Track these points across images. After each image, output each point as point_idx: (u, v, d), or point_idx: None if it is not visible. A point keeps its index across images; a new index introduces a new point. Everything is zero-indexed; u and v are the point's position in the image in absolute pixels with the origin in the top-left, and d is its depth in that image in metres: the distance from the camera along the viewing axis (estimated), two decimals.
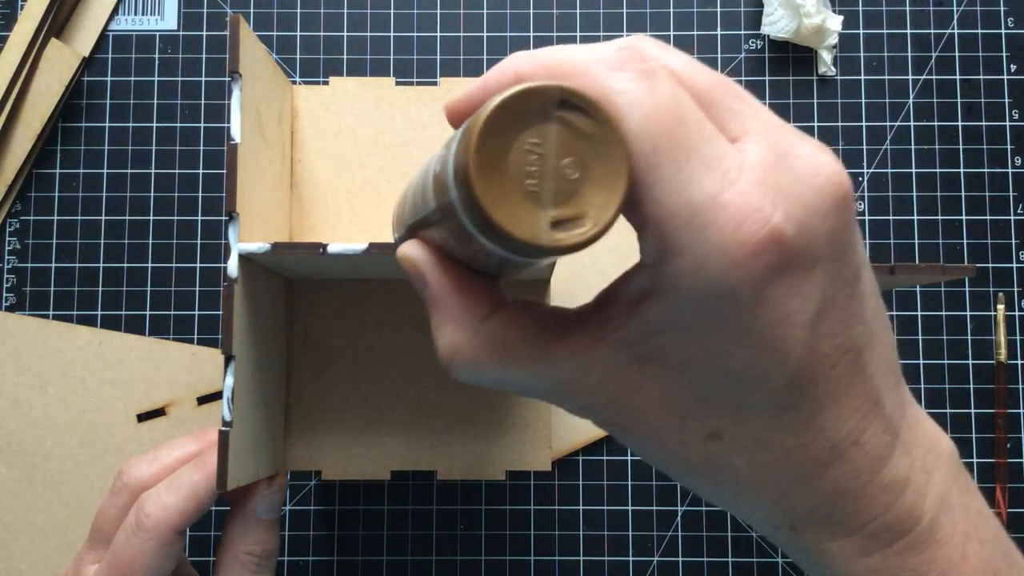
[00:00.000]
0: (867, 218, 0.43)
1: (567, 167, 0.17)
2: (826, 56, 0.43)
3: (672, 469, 0.21)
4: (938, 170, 0.43)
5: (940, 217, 0.43)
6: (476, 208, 0.16)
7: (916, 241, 0.43)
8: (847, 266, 0.19)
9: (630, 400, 0.20)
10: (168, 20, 0.44)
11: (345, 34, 0.44)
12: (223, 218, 0.43)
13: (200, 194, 0.43)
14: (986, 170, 0.43)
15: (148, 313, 0.43)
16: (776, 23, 0.43)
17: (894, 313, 0.43)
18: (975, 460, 0.42)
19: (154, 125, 0.44)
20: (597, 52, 0.19)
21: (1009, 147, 0.43)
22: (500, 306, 0.20)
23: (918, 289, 0.43)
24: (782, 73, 0.44)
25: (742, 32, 0.44)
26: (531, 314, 0.20)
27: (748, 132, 0.19)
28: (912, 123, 0.44)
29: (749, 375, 0.19)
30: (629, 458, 0.42)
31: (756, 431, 0.19)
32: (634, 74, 0.18)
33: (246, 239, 0.30)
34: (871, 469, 0.20)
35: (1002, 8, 0.44)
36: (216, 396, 0.42)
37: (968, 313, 0.43)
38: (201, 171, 0.43)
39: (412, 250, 0.21)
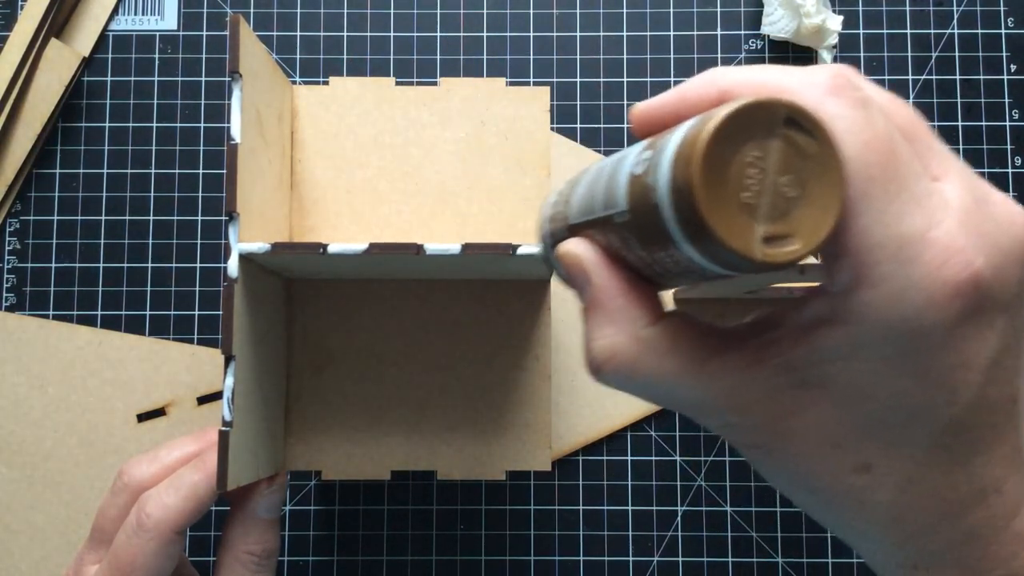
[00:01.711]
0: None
1: (785, 184, 0.17)
2: (826, 56, 0.43)
3: (803, 496, 0.21)
4: None
5: None
6: (694, 217, 0.16)
7: None
8: (1020, 316, 0.19)
9: (780, 424, 0.20)
10: (168, 20, 0.44)
11: (345, 34, 0.44)
12: (223, 218, 0.43)
13: (200, 194, 0.43)
14: (986, 170, 0.43)
15: (148, 313, 0.43)
16: (776, 23, 0.43)
17: None
18: None
19: (154, 125, 0.44)
20: (808, 76, 0.19)
21: (1009, 147, 0.43)
22: (662, 315, 0.20)
23: None
24: None
25: (742, 32, 0.44)
26: (691, 327, 0.20)
27: (948, 172, 0.19)
28: None
29: (917, 411, 0.19)
30: (629, 458, 0.42)
31: (909, 467, 0.19)
32: (850, 102, 0.18)
33: (246, 239, 0.30)
34: (1006, 516, 0.20)
35: (1002, 8, 0.44)
36: (216, 396, 0.42)
37: None
38: (201, 171, 0.43)
39: (579, 247, 0.21)
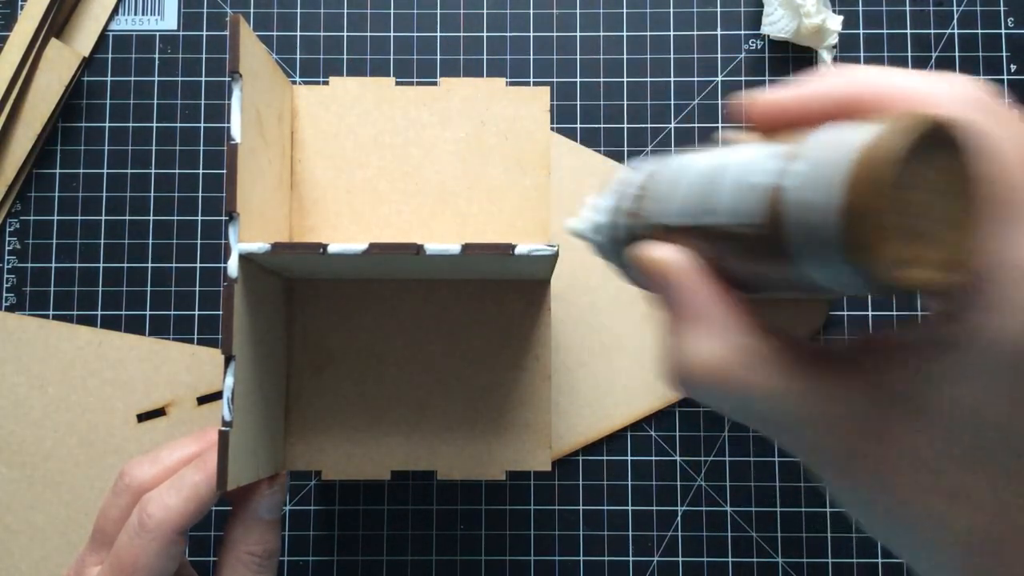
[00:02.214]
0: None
1: (930, 204, 0.16)
2: (826, 56, 0.43)
3: (879, 518, 0.21)
4: None
5: None
6: (864, 242, 0.16)
7: None
8: None
9: (871, 445, 0.19)
10: (168, 20, 0.44)
11: (345, 34, 0.44)
12: (223, 218, 0.43)
13: (200, 194, 0.43)
14: None
15: (148, 313, 0.43)
16: (776, 23, 0.43)
17: (894, 313, 0.43)
18: None
19: (154, 125, 0.44)
20: (953, 87, 0.18)
21: None
22: (759, 326, 0.20)
23: None
24: (782, 73, 0.44)
25: (742, 32, 0.44)
26: (788, 340, 0.20)
27: None
28: None
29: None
30: (629, 458, 0.42)
31: (1004, 496, 0.19)
32: (999, 120, 0.18)
33: (246, 239, 0.30)
34: None
35: (1002, 8, 0.44)
36: (216, 396, 0.42)
37: None
38: (201, 171, 0.43)
39: (670, 252, 0.20)
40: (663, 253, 0.21)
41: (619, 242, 0.23)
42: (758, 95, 0.21)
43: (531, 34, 0.44)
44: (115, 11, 0.44)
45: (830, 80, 0.20)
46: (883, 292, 0.16)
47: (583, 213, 0.25)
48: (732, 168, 0.19)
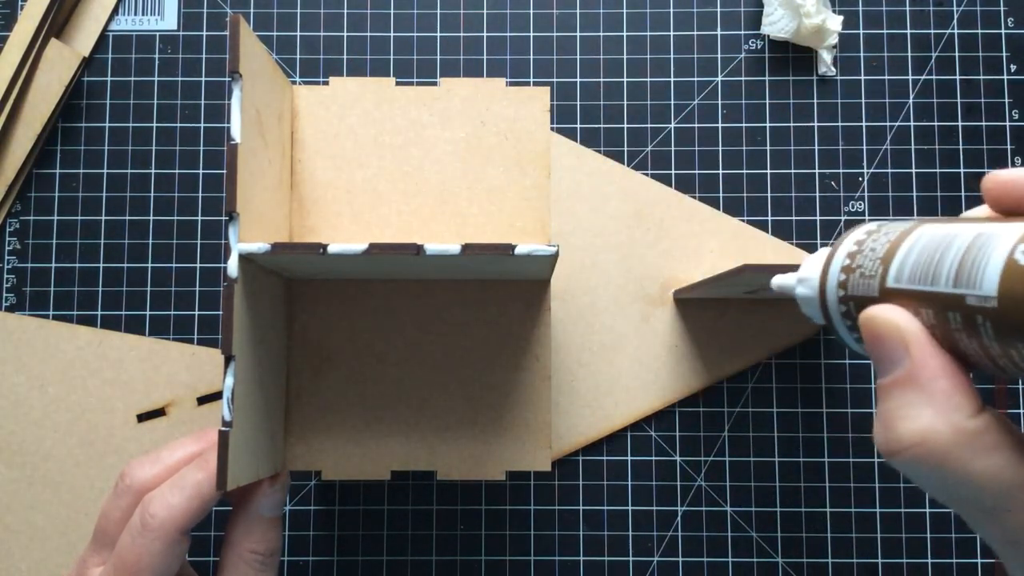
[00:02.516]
0: (867, 218, 0.43)
1: None
2: (826, 56, 0.43)
3: None
4: (938, 170, 0.43)
5: None
6: None
7: None
8: None
9: None
10: (168, 20, 0.44)
11: (345, 34, 0.44)
12: (223, 218, 0.43)
13: (200, 194, 0.43)
14: (986, 170, 0.43)
15: (148, 313, 0.43)
16: (776, 23, 0.43)
17: None
18: None
19: (154, 125, 0.44)
20: None
21: (1009, 147, 0.43)
22: (983, 407, 0.19)
23: None
24: (782, 73, 0.44)
25: (742, 32, 0.44)
26: (1008, 424, 0.19)
27: None
28: (912, 123, 0.44)
29: None
30: (629, 458, 0.42)
31: None
32: None
33: (246, 239, 0.30)
34: None
35: (1002, 8, 0.44)
36: (216, 396, 0.42)
37: None
38: (201, 171, 0.43)
39: (901, 317, 0.20)
40: (892, 315, 0.20)
41: (830, 299, 0.23)
42: (998, 171, 0.20)
43: (531, 34, 0.44)
44: (115, 11, 0.44)
45: None
46: None
47: (802, 268, 0.25)
48: (963, 236, 0.19)
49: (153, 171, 0.43)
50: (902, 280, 0.20)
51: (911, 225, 0.21)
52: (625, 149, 0.43)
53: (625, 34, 0.44)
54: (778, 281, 0.27)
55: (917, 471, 0.20)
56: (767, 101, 0.44)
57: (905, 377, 0.19)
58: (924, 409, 0.19)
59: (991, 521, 0.19)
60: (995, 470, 0.18)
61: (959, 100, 0.44)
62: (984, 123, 0.43)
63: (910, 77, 0.44)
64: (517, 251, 0.29)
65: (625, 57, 0.44)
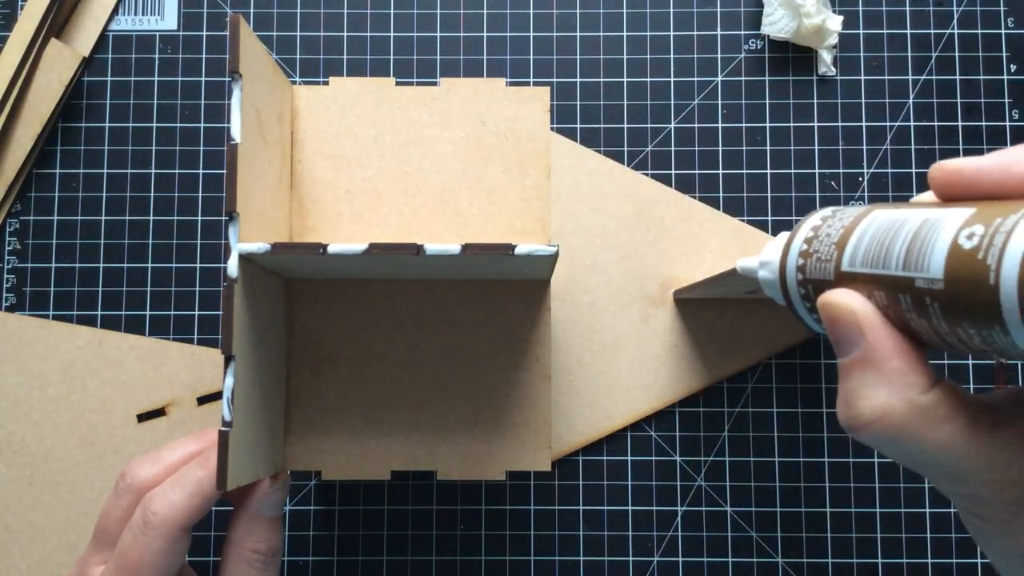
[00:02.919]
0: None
1: None
2: (826, 56, 0.43)
3: None
4: None
5: None
6: None
7: None
8: None
9: None
10: (168, 20, 0.44)
11: (345, 34, 0.44)
12: (223, 218, 0.43)
13: (200, 194, 0.43)
14: None
15: (148, 313, 0.43)
16: (776, 23, 0.43)
17: None
18: None
19: (154, 125, 0.44)
20: None
21: (1009, 147, 0.43)
22: (936, 381, 0.20)
23: None
24: (782, 73, 0.44)
25: (742, 32, 0.44)
26: (962, 396, 0.20)
27: None
28: (912, 123, 0.44)
29: None
30: (629, 458, 0.42)
31: None
32: None
33: (246, 239, 0.30)
34: None
35: (1002, 8, 0.44)
36: (216, 396, 0.42)
37: None
38: (201, 171, 0.43)
39: (854, 300, 0.21)
40: (846, 299, 0.21)
41: (789, 283, 0.24)
42: (945, 161, 0.21)
43: (531, 34, 0.44)
44: (115, 11, 0.44)
45: (1015, 155, 0.20)
46: None
47: (763, 252, 0.26)
48: (913, 221, 0.20)
49: (153, 171, 0.43)
50: (855, 264, 0.21)
51: (864, 210, 0.22)
52: (625, 149, 0.43)
53: (625, 34, 0.44)
54: (742, 263, 0.28)
55: (879, 444, 0.21)
56: (767, 101, 0.44)
57: (861, 358, 0.20)
58: (880, 388, 0.20)
59: (953, 485, 0.21)
60: (948, 440, 0.20)
61: (959, 100, 0.44)
62: (984, 123, 0.43)
63: (910, 77, 0.44)
64: (517, 251, 0.29)
65: (625, 57, 0.44)
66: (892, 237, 0.20)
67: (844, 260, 0.21)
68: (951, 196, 0.21)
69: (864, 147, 0.44)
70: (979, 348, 0.19)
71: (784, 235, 0.25)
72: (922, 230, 0.19)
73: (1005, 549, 0.21)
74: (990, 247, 0.17)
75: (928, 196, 0.22)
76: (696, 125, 0.44)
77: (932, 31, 0.44)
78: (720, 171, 0.43)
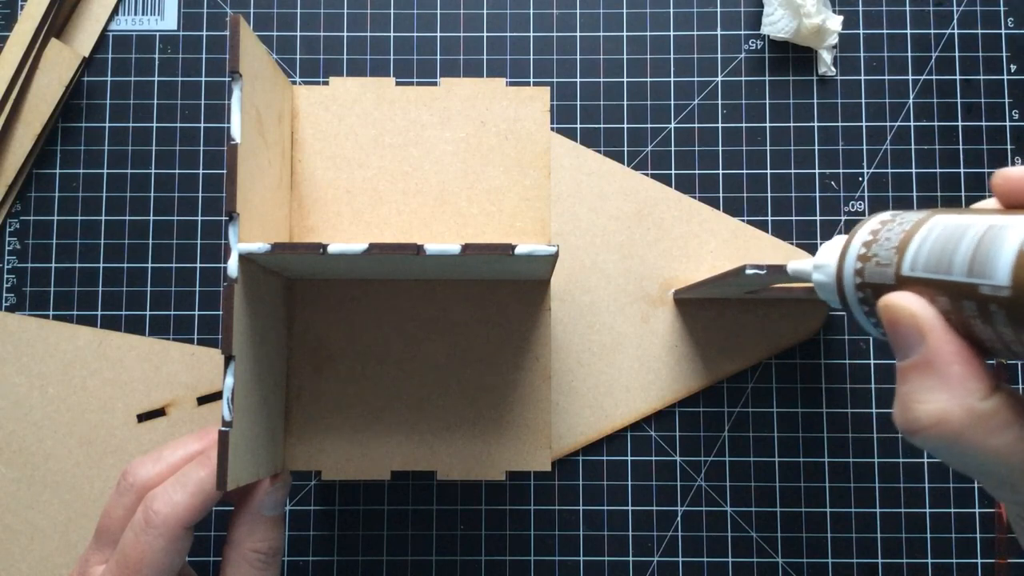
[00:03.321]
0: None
1: None
2: (826, 56, 0.43)
3: None
4: (938, 170, 0.43)
5: None
6: None
7: None
8: None
9: None
10: (168, 20, 0.44)
11: (345, 34, 0.44)
12: (223, 218, 0.43)
13: (200, 194, 0.43)
14: (986, 170, 0.43)
15: (148, 313, 0.43)
16: (776, 23, 0.43)
17: None
18: None
19: (154, 125, 0.44)
20: None
21: (1009, 147, 0.43)
22: (996, 388, 0.20)
23: None
24: (782, 73, 0.44)
25: (742, 32, 0.44)
26: (1022, 403, 0.20)
27: None
28: (912, 123, 0.44)
29: None
30: (629, 458, 0.42)
31: None
32: None
33: (246, 239, 0.30)
34: None
35: (1002, 8, 0.44)
36: (216, 396, 0.42)
37: None
38: (201, 171, 0.43)
39: (916, 304, 0.21)
40: (908, 302, 0.21)
41: (847, 286, 0.24)
42: (1008, 169, 0.21)
43: (531, 34, 0.44)
44: (115, 11, 0.44)
45: None
46: None
47: (818, 255, 0.26)
48: (977, 225, 0.20)
49: (153, 171, 0.43)
50: (917, 268, 0.21)
51: (925, 215, 0.22)
52: (625, 149, 0.43)
53: (625, 34, 0.44)
54: (794, 266, 0.28)
55: (936, 449, 0.21)
56: (767, 101, 0.44)
57: (922, 362, 0.20)
58: (940, 393, 0.20)
59: (1007, 492, 0.21)
60: (1007, 447, 0.19)
61: (959, 100, 0.44)
62: (984, 123, 0.43)
63: (910, 77, 0.44)
64: (517, 251, 0.29)
65: (625, 57, 0.44)
66: (956, 243, 0.20)
67: (905, 264, 0.21)
68: (1015, 203, 0.21)
69: (864, 147, 0.44)
70: None
71: (839, 239, 0.25)
72: (987, 236, 0.19)
73: None
74: None
75: (991, 202, 0.22)
76: (696, 125, 0.44)
77: (932, 31, 0.44)
78: (720, 171, 0.43)
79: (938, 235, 0.21)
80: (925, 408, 0.20)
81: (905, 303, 0.21)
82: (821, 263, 0.25)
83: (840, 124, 0.44)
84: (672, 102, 0.44)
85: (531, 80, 0.44)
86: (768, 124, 0.44)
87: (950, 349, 0.20)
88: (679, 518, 0.42)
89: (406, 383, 0.36)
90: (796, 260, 0.28)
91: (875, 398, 0.42)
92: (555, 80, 0.44)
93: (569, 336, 0.42)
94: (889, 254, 0.22)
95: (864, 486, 0.42)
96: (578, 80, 0.44)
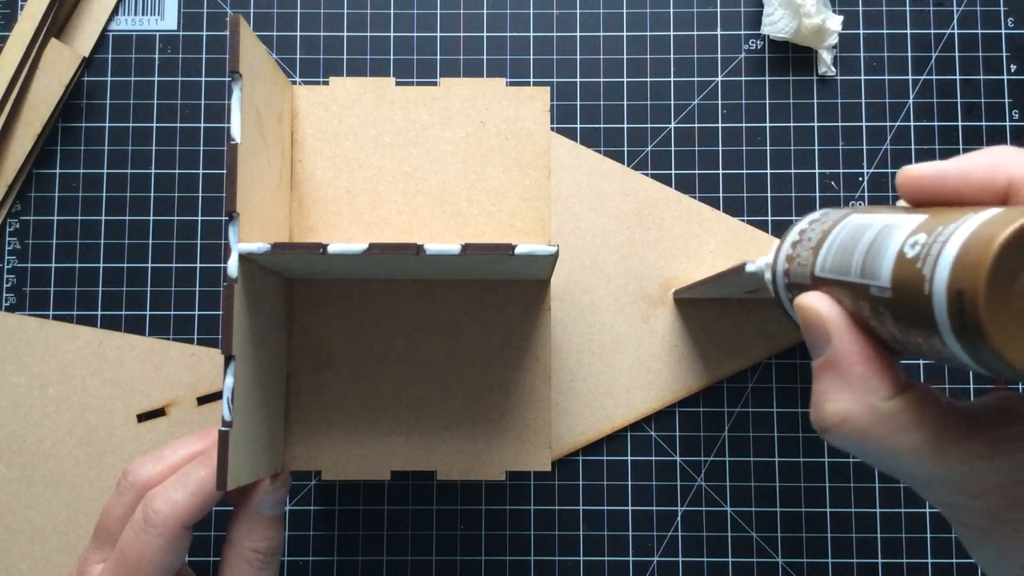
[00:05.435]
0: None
1: None
2: (826, 56, 0.43)
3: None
4: None
5: None
6: (972, 323, 0.16)
7: None
8: None
9: (1010, 514, 0.19)
10: (168, 20, 0.44)
11: (345, 34, 0.44)
12: (223, 218, 0.43)
13: (200, 194, 0.43)
14: None
15: (148, 313, 0.43)
16: (776, 23, 0.43)
17: None
18: None
19: (154, 125, 0.44)
20: None
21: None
22: (903, 388, 0.20)
23: None
24: (782, 73, 0.44)
25: (742, 32, 0.44)
26: (932, 404, 0.20)
27: None
28: (912, 123, 0.44)
29: None
30: (629, 458, 0.42)
31: None
32: None
33: (246, 239, 0.30)
34: None
35: (1002, 8, 0.44)
36: (216, 396, 0.42)
37: None
38: (201, 171, 0.43)
39: (822, 305, 0.21)
40: (811, 301, 0.21)
41: (784, 289, 0.24)
42: (909, 167, 0.21)
43: (531, 34, 0.44)
44: (115, 11, 0.44)
45: (981, 161, 0.20)
46: (999, 372, 0.16)
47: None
48: (873, 228, 0.20)
49: (153, 171, 0.43)
50: (825, 269, 0.21)
51: (842, 214, 0.22)
52: (625, 149, 0.43)
53: (625, 34, 0.44)
54: (750, 266, 0.28)
55: (847, 448, 0.21)
56: (767, 101, 0.44)
57: (829, 361, 0.21)
58: (843, 392, 0.20)
59: (928, 492, 0.21)
60: (912, 449, 0.19)
61: (959, 100, 0.44)
62: (984, 123, 0.43)
63: (910, 77, 0.44)
64: (517, 251, 0.29)
65: (625, 57, 0.44)
66: (855, 243, 0.20)
67: (817, 265, 0.22)
68: (917, 201, 0.21)
69: (864, 147, 0.44)
70: (931, 356, 0.19)
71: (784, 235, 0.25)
72: (879, 237, 0.19)
73: (989, 557, 0.21)
74: (927, 256, 0.17)
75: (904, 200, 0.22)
76: (696, 125, 0.44)
77: (932, 31, 0.44)
78: (720, 171, 0.43)
79: (845, 235, 0.21)
80: (832, 407, 0.20)
81: (813, 304, 0.21)
82: (764, 263, 0.25)
83: (840, 124, 0.44)
84: (672, 102, 0.44)
85: (531, 80, 0.44)
86: (768, 124, 0.44)
87: (854, 349, 0.20)
88: (679, 518, 0.42)
89: (406, 383, 0.36)
90: (754, 261, 0.28)
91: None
92: (555, 80, 0.44)
93: (569, 336, 0.42)
94: (808, 255, 0.22)
95: (864, 486, 0.42)
96: (578, 80, 0.44)
